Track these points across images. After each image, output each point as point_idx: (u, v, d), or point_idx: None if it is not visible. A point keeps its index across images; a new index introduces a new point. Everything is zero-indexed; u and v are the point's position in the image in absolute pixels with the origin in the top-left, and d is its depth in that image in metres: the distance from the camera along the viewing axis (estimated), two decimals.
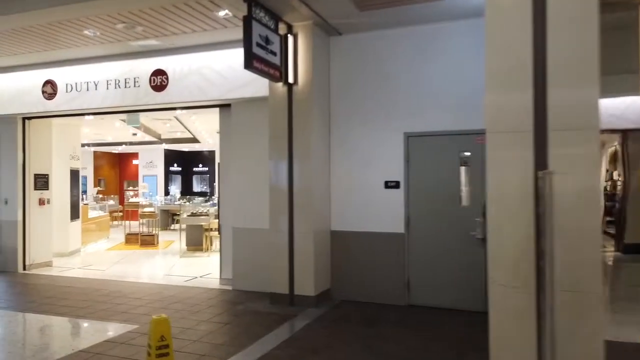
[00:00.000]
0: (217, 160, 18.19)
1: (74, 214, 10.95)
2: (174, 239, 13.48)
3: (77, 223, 11.19)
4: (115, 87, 7.73)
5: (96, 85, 7.87)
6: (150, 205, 13.79)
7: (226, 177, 7.63)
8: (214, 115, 10.21)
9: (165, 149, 18.49)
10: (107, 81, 7.78)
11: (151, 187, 18.62)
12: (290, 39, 6.22)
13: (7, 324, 5.64)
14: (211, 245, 11.33)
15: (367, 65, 6.53)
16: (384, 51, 6.44)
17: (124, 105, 7.77)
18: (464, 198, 6.09)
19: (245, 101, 7.12)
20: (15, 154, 8.84)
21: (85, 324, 5.63)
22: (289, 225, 6.30)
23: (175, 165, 19.45)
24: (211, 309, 6.25)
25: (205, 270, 8.93)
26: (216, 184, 18.29)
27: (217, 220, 11.45)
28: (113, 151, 19.65)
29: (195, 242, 11.29)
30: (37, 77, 8.29)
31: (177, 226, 16.45)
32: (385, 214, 6.41)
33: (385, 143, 6.43)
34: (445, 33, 6.15)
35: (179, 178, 19.78)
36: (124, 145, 17.57)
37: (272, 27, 5.81)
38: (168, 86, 7.40)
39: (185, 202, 14.25)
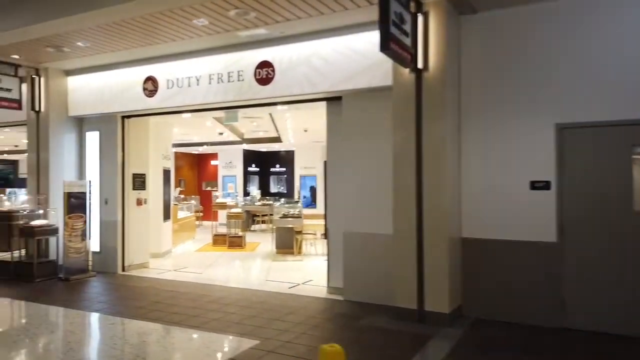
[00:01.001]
0: (296, 160, 17.88)
1: (166, 214, 10.84)
2: (258, 241, 13.17)
3: (169, 224, 11.08)
4: (218, 82, 7.33)
5: (198, 81, 7.52)
6: (237, 205, 13.52)
7: (334, 176, 6.99)
8: (307, 111, 9.70)
9: (244, 149, 18.35)
10: (210, 76, 7.40)
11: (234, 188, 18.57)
12: (420, 18, 5.45)
13: (122, 333, 5.30)
14: (301, 248, 10.81)
15: (506, 46, 5.63)
16: (527, 30, 5.51)
17: (226, 101, 7.35)
18: (637, 202, 5.02)
19: (359, 92, 6.44)
20: (115, 153, 8.73)
21: (204, 336, 5.16)
22: (417, 231, 5.53)
23: (253, 165, 19.29)
24: (330, 324, 5.62)
25: (304, 276, 8.37)
26: (297, 184, 17.94)
27: (310, 222, 10.97)
28: (193, 152, 19.83)
29: (285, 245, 10.81)
30: (138, 74, 8.11)
31: (256, 227, 16.26)
32: (531, 219, 5.47)
33: (531, 136, 5.49)
34: (606, 3, 5.13)
35: (256, 178, 19.61)
36: (205, 146, 17.60)
37: (404, 2, 5.07)
38: (274, 79, 6.87)
39: (275, 203, 13.88)
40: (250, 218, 16.33)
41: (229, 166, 18.64)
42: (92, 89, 8.64)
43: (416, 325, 5.41)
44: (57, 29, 6.54)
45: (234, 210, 12.43)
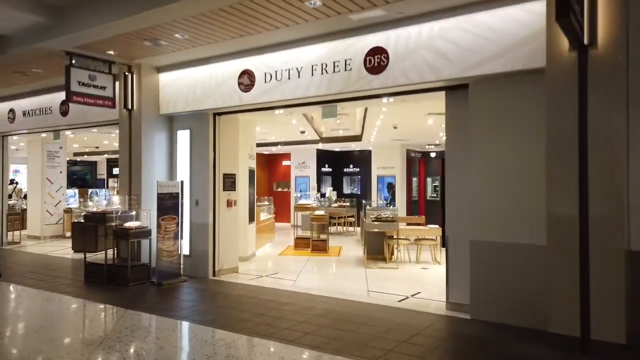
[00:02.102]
0: (373, 160, 17.03)
1: (251, 216, 10.41)
2: (338, 245, 12.48)
3: (253, 226, 10.64)
4: (322, 73, 6.68)
5: (299, 72, 6.91)
6: (320, 207, 12.91)
7: (455, 177, 6.12)
8: (403, 105, 8.86)
9: (317, 149, 17.78)
10: (312, 66, 6.77)
11: (303, 189, 18.07)
12: None
13: (237, 351, 4.73)
14: (392, 255, 9.99)
15: None
16: None
17: (330, 93, 6.67)
18: None
19: (493, 78, 5.54)
20: (206, 153, 8.33)
21: None
22: (581, 242, 4.55)
23: (326, 165, 18.68)
24: (470, 349, 4.76)
25: (409, 287, 7.54)
26: (374, 185, 17.11)
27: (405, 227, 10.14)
28: (264, 152, 19.52)
29: (375, 251, 10.03)
30: (233, 68, 7.63)
31: (333, 229, 15.60)
32: None
33: None
34: None
35: (329, 179, 18.99)
36: (278, 146, 17.20)
37: None
38: (388, 67, 6.11)
39: (365, 205, 13.14)
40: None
41: (302, 166, 18.14)
42: (183, 85, 8.29)
43: (580, 359, 4.44)
44: (157, 18, 6.14)
45: (317, 212, 11.81)
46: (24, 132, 11.55)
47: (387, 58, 6.11)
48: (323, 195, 17.37)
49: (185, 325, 5.59)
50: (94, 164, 27.25)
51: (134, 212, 8.13)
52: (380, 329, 5.32)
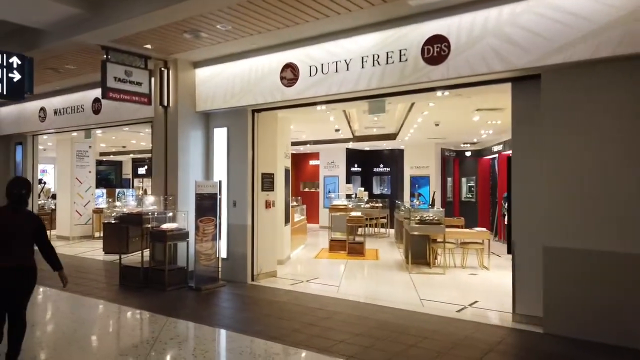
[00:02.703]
0: (406, 159, 16.48)
1: (287, 217, 10.00)
2: (373, 247, 11.99)
3: (288, 227, 10.24)
4: (373, 65, 6.21)
5: (347, 65, 6.46)
6: (356, 209, 12.43)
7: (523, 177, 5.59)
8: (450, 102, 8.35)
9: (347, 148, 17.31)
10: (363, 58, 6.31)
11: (332, 189, 17.62)
12: None
13: None
14: (435, 259, 9.47)
15: None
16: None
17: (383, 86, 6.20)
18: None
19: (570, 67, 5.00)
20: (244, 151, 7.95)
21: None
22: None
23: (356, 165, 18.19)
24: None
25: (464, 295, 7.02)
26: (406, 185, 16.57)
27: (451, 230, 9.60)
28: (292, 151, 19.10)
29: (418, 255, 9.52)
30: (274, 61, 7.22)
31: (362, 231, 15.09)
32: None
33: None
34: None
35: (358, 179, 18.49)
36: (307, 145, 16.78)
37: None
38: (449, 57, 5.61)
39: (403, 206, 12.63)
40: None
41: (331, 166, 17.69)
42: (220, 81, 7.92)
43: None
44: (199, 8, 5.76)
45: (353, 214, 11.34)
46: (55, 131, 11.34)
47: (448, 47, 5.62)
48: (350, 196, 16.90)
49: (234, 336, 5.19)
50: (118, 164, 27.26)
51: (170, 213, 7.79)
52: (445, 343, 4.84)
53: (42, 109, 11.21)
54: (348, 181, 17.64)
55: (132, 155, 23.97)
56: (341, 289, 7.49)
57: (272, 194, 8.37)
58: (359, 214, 11.30)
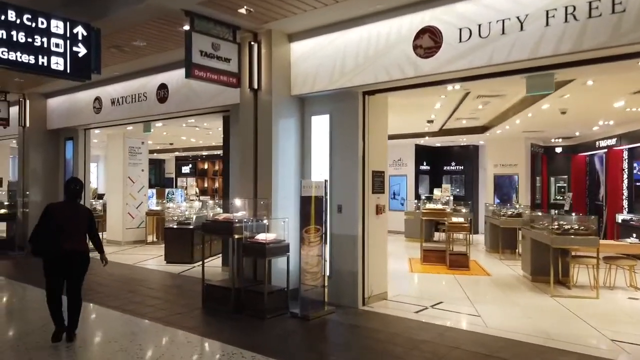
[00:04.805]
0: (490, 156, 14.61)
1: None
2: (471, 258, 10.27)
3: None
4: (566, 20, 4.52)
5: (521, 23, 4.79)
6: (456, 213, 10.70)
7: None
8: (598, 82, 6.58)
9: (416, 144, 15.59)
10: (548, 12, 4.63)
11: (397, 190, 15.95)
12: None
13: None
14: (567, 277, 7.67)
15: None
16: None
17: (583, 49, 4.48)
18: None
19: None
20: (353, 144, 6.39)
21: None
22: None
23: (424, 163, 16.45)
24: None
25: None
26: (486, 186, 14.77)
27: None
28: None
29: (542, 271, 7.76)
30: (405, 26, 5.62)
31: (440, 236, 13.39)
32: None
33: None
34: None
35: (426, 179, 16.75)
36: None
37: None
38: None
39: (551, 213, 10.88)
40: (433, 225, 13.52)
41: (398, 164, 15.99)
42: (324, 57, 6.37)
43: None
44: None
45: (455, 219, 9.65)
46: (113, 123, 10.03)
47: None
48: (419, 198, 15.18)
49: None
50: (158, 163, 26.19)
51: (265, 221, 6.27)
52: None
53: (97, 99, 9.92)
54: (417, 181, 15.92)
55: (176, 154, 22.82)
56: (485, 319, 5.82)
57: (382, 196, 6.79)
58: (460, 219, 9.59)
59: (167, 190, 16.77)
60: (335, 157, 6.56)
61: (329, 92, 6.45)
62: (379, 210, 6.68)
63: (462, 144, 15.91)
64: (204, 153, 21.78)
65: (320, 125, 6.73)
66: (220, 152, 20.78)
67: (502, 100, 9.04)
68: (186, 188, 21.95)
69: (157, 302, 6.55)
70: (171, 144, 19.01)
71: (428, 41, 5.43)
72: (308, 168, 6.88)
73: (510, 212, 10.70)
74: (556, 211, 9.73)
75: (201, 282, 6.44)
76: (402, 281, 8.13)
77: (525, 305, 6.60)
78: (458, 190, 16.58)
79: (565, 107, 8.79)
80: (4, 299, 7.14)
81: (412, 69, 5.57)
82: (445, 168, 16.77)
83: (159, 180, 25.91)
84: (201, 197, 19.01)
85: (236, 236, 6.05)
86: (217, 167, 22.60)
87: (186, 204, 15.10)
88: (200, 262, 9.56)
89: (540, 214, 8.43)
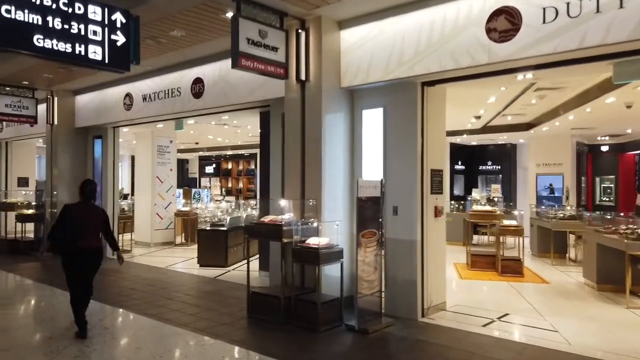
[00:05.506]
0: (531, 155, 13.87)
1: None
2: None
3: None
4: None
5: (621, 0, 4.18)
6: (507, 216, 10.04)
7: None
8: None
9: (450, 143, 14.92)
10: None
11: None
12: None
13: None
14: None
15: None
16: None
17: None
18: None
19: None
20: (411, 140, 5.83)
21: None
22: None
23: (459, 162, 15.78)
24: None
25: None
26: (520, 185, 14.05)
27: None
28: None
29: (610, 278, 7.11)
30: (477, 7, 5.03)
31: (479, 239, 12.73)
32: None
33: None
34: None
35: (461, 179, 16.08)
36: None
37: None
38: None
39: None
40: (471, 228, 12.85)
41: None
42: (379, 45, 5.82)
43: None
44: None
45: (506, 222, 9.00)
46: (145, 120, 9.63)
47: None
48: (454, 198, 14.52)
49: None
50: (181, 162, 25.92)
51: (315, 224, 5.75)
52: None
53: (128, 95, 9.53)
54: (452, 181, 15.27)
55: (200, 153, 22.50)
56: (564, 335, 5.20)
57: (441, 197, 6.21)
58: (513, 222, 8.93)
59: (193, 190, 16.46)
60: (390, 155, 6.02)
61: (384, 83, 5.91)
62: (438, 212, 6.10)
63: (499, 143, 15.21)
64: (229, 152, 21.41)
65: (373, 119, 6.18)
66: (245, 151, 20.49)
67: (559, 93, 8.38)
68: (210, 188, 21.61)
69: (198, 310, 6.09)
70: (197, 143, 18.67)
71: (504, 23, 4.84)
72: (358, 166, 6.35)
73: (561, 214, 10.01)
74: (622, 213, 9.01)
75: (241, 288, 6.01)
76: (455, 289, 7.54)
77: (601, 318, 5.95)
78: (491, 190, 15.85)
79: (631, 101, 8.08)
80: (32, 302, 6.77)
81: (484, 54, 4.99)
82: (480, 168, 16.07)
83: (183, 180, 25.67)
84: (226, 198, 18.62)
85: (285, 240, 5.54)
86: (241, 167, 22.22)
87: (213, 204, 14.74)
88: (235, 266, 9.29)
89: (609, 216, 7.73)
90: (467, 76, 5.49)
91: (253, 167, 21.14)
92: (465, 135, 13.42)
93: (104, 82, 9.92)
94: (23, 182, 14.77)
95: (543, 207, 10.80)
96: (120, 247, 11.38)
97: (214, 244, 9.20)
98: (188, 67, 8.20)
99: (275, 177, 7.28)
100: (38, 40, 4.71)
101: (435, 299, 6.01)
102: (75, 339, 4.85)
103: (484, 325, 5.54)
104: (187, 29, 6.54)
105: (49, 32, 4.76)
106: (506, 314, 6.01)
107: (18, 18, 4.54)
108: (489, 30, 4.95)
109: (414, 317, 5.74)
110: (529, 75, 5.51)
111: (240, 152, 20.88)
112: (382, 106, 6.09)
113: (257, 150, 19.08)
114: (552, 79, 7.28)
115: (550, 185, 13.14)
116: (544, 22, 4.60)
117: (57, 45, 4.83)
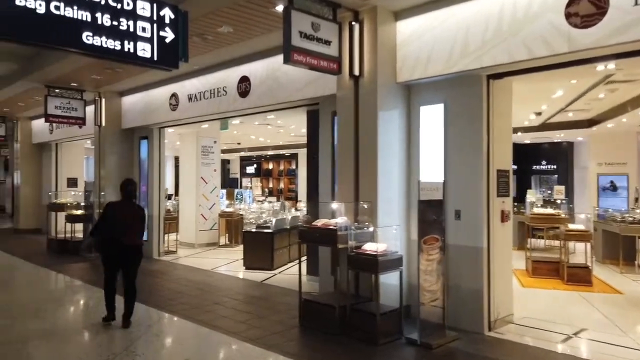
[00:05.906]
0: (592, 153, 12.96)
1: None
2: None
3: None
4: None
5: None
6: (565, 218, 9.37)
7: None
8: None
9: None
10: None
11: None
12: None
13: None
14: None
15: None
16: None
17: None
18: None
19: None
20: (475, 138, 5.37)
21: None
22: None
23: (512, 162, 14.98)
24: None
25: None
26: (577, 186, 13.15)
27: None
28: None
29: None
30: None
31: (536, 243, 11.96)
32: None
33: None
34: None
35: (514, 178, 15.24)
36: None
37: None
38: None
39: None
40: (528, 231, 12.09)
41: None
42: (440, 35, 5.39)
43: None
44: None
45: (572, 226, 8.32)
46: (191, 120, 9.51)
47: None
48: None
49: None
50: (223, 163, 26.11)
51: (371, 228, 5.38)
52: None
53: (174, 95, 9.46)
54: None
55: (241, 154, 22.55)
56: None
57: (507, 200, 5.71)
58: (581, 227, 8.25)
59: (235, 191, 16.41)
60: (452, 154, 5.57)
61: (444, 77, 5.47)
62: (505, 216, 5.61)
63: (554, 141, 14.33)
64: (269, 153, 21.34)
65: (432, 116, 5.75)
66: (286, 151, 20.34)
67: (633, 86, 7.65)
68: (251, 188, 21.60)
69: (248, 317, 5.85)
70: (239, 143, 18.65)
71: (587, 6, 4.31)
72: (415, 167, 5.92)
73: (630, 218, 9.21)
74: None
75: (290, 294, 5.75)
76: (520, 299, 6.96)
77: None
78: (550, 191, 14.97)
79: None
80: (81, 303, 6.73)
81: (564, 43, 4.47)
82: (533, 167, 15.22)
83: (224, 180, 25.86)
84: (268, 198, 18.51)
85: (340, 246, 5.20)
86: (282, 167, 22.11)
87: (256, 205, 14.61)
88: (281, 269, 9.04)
89: None
90: (540, 67, 4.97)
91: (294, 167, 20.97)
92: (519, 133, 12.68)
93: (150, 82, 9.90)
94: (72, 182, 15.15)
95: (609, 209, 9.96)
96: (166, 248, 11.76)
97: (260, 246, 8.98)
98: (234, 65, 8.01)
99: (324, 177, 6.97)
100: (87, 37, 4.57)
101: (502, 311, 5.52)
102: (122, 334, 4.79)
103: (563, 342, 5.01)
104: (235, 24, 6.31)
105: (98, 29, 4.62)
106: (583, 329, 5.44)
107: (67, 15, 4.40)
108: (568, 15, 4.43)
109: (479, 331, 5.27)
110: (611, 65, 4.96)
111: (281, 152, 20.76)
112: (442, 102, 5.65)
113: (298, 150, 19.04)
114: (631, 70, 6.61)
115: (612, 182, 12.23)
116: (636, 3, 4.06)
117: (106, 42, 4.68)
